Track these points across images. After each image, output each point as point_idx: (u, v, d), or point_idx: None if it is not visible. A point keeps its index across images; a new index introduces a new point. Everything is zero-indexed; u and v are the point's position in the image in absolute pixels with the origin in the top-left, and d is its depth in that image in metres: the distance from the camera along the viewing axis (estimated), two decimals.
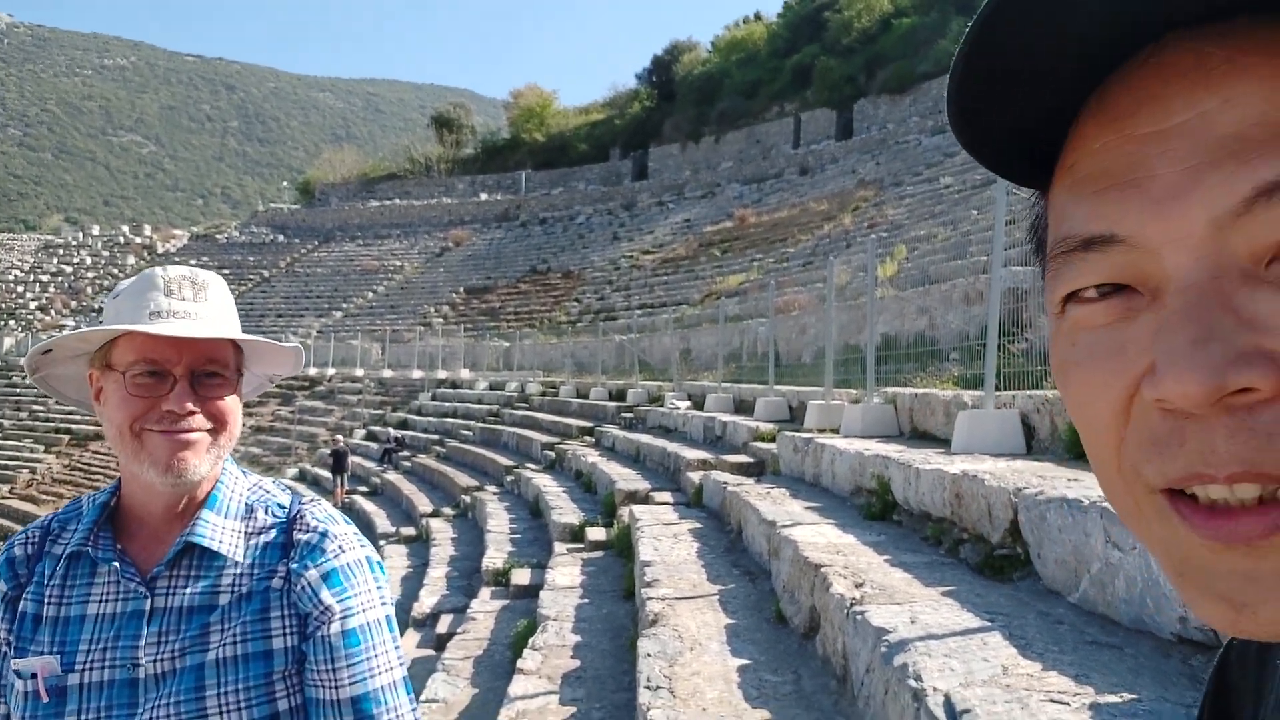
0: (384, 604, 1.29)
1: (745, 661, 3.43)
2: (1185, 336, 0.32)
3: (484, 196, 56.31)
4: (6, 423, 33.71)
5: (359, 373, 32.40)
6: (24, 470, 29.28)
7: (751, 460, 8.28)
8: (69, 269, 52.45)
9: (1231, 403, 0.32)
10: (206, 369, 1.22)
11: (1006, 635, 2.57)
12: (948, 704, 2.09)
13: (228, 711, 1.18)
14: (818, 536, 4.29)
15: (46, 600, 1.22)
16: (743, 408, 11.58)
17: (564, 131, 61.13)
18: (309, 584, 1.23)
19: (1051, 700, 2.07)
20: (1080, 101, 0.37)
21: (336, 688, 1.21)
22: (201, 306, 1.24)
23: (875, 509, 4.97)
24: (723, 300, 20.94)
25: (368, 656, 1.24)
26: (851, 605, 3.02)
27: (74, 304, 48.26)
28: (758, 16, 62.44)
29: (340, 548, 1.27)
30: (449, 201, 56.73)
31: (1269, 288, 0.32)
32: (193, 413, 1.19)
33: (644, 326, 22.08)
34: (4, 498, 27.45)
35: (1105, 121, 0.36)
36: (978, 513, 3.77)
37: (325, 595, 1.23)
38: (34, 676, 1.18)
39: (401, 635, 7.88)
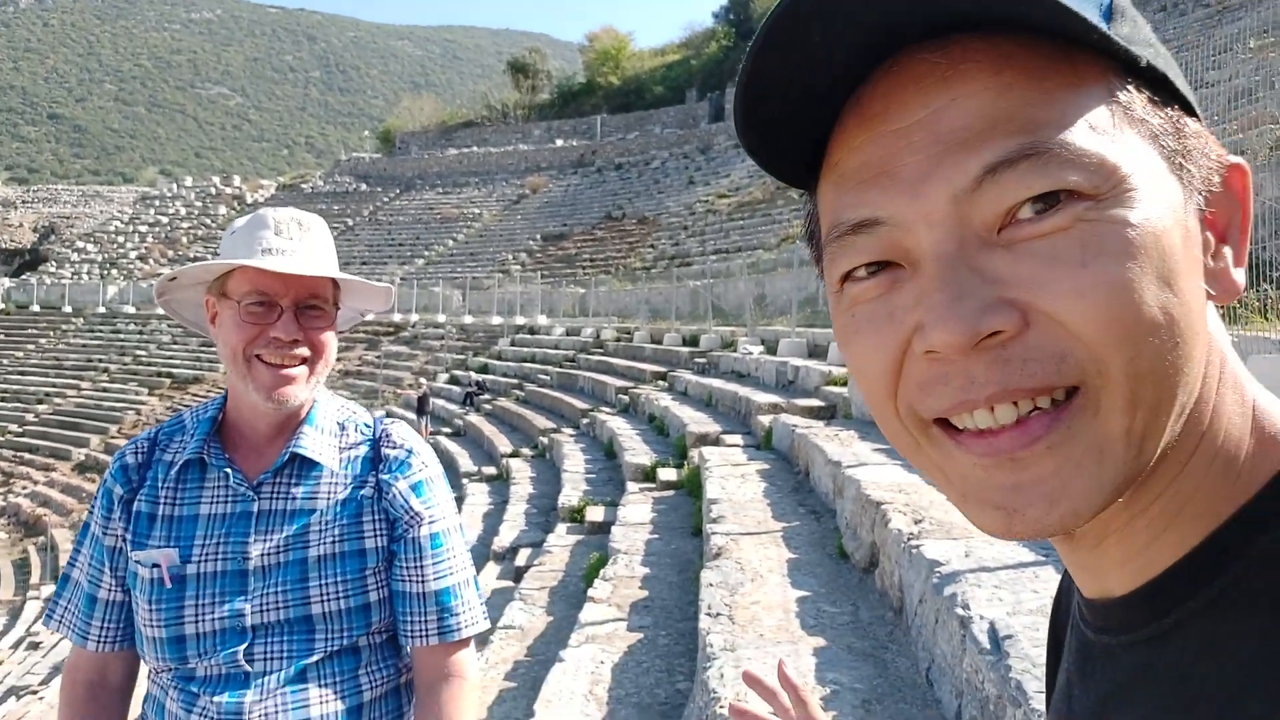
0: (456, 514, 1.47)
1: (805, 593, 3.53)
2: (944, 297, 0.39)
3: (559, 143, 56.27)
4: (113, 367, 35.56)
5: (441, 319, 33.12)
6: (129, 411, 30.96)
7: (823, 404, 8.30)
8: (165, 219, 54.48)
9: (986, 344, 0.39)
10: (309, 302, 1.37)
11: (1058, 569, 2.61)
12: (992, 631, 2.16)
13: (328, 600, 1.36)
14: (882, 476, 4.34)
15: (161, 501, 1.40)
16: (816, 352, 11.54)
17: (640, 74, 60.47)
18: (399, 493, 1.41)
19: None
20: (838, 109, 0.44)
21: (422, 582, 1.40)
22: (306, 245, 1.39)
23: None
24: (799, 244, 20.69)
25: (448, 557, 1.43)
26: (909, 540, 3.09)
27: (170, 253, 50.23)
28: None
29: (424, 463, 1.45)
30: (525, 148, 56.89)
31: (1001, 249, 0.39)
32: (295, 340, 1.35)
33: (718, 272, 22.00)
34: (111, 437, 29.13)
35: (861, 122, 0.43)
36: None
37: (414, 502, 1.41)
38: (156, 566, 1.36)
39: (482, 568, 8.22)
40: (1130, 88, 0.40)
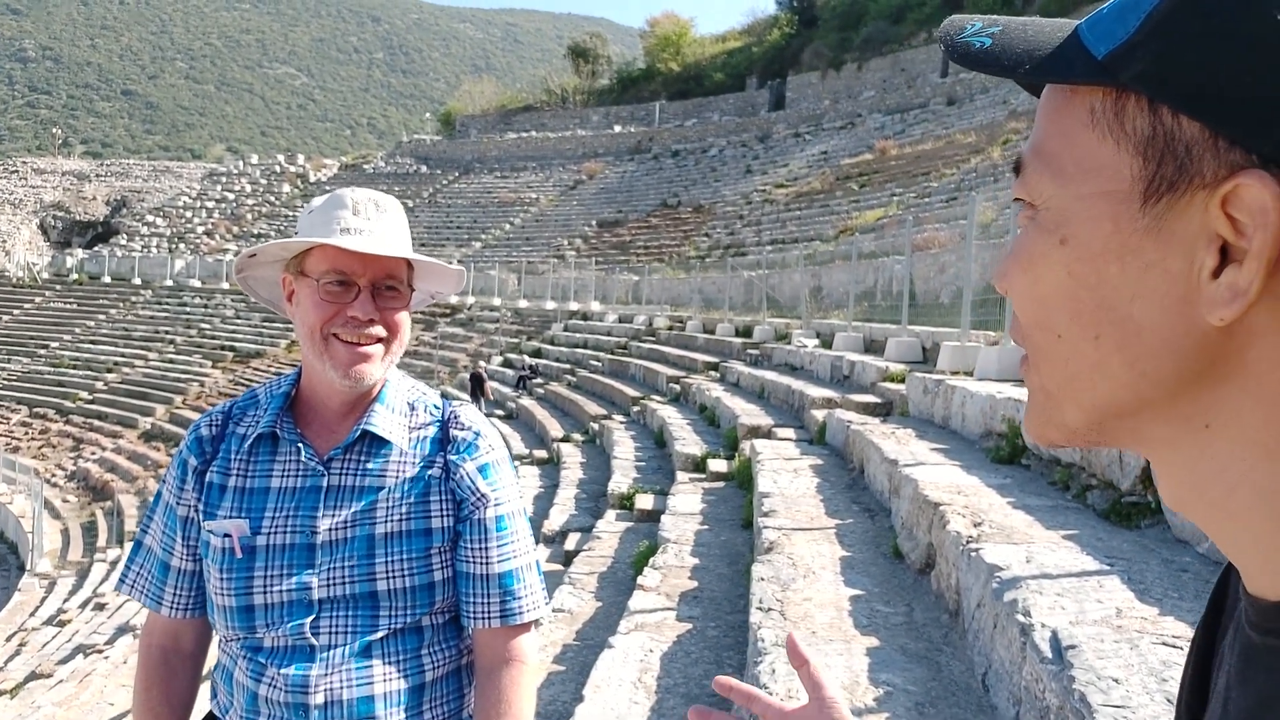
0: (520, 498, 1.48)
1: (858, 592, 3.51)
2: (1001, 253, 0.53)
3: (617, 129, 56.24)
4: (178, 339, 36.59)
5: (496, 302, 33.44)
6: (193, 383, 31.85)
7: (879, 400, 8.20)
8: (231, 196, 55.73)
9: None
10: (385, 282, 1.39)
11: (1125, 579, 2.55)
12: (1054, 640, 2.12)
13: (393, 577, 1.38)
14: (940, 476, 4.28)
15: (233, 473, 1.43)
16: (873, 347, 11.40)
17: (700, 61, 60.08)
18: (467, 474, 1.43)
19: (1164, 643, 2.07)
20: None
21: (486, 563, 1.42)
22: (382, 226, 1.40)
23: (1004, 452, 4.89)
24: (857, 236, 20.44)
25: (512, 540, 1.44)
26: (968, 543, 3.04)
27: (235, 229, 51.40)
28: None
29: (491, 445, 1.47)
30: (583, 134, 56.99)
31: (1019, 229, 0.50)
32: (372, 320, 1.37)
33: (774, 263, 21.82)
34: (176, 408, 30.00)
35: None
36: (1108, 458, 3.69)
37: (481, 484, 1.43)
38: (228, 536, 1.39)
39: None
40: (1127, 102, 0.43)
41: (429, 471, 1.42)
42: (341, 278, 1.36)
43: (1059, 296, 0.46)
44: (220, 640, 1.47)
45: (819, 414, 8.03)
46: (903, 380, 8.09)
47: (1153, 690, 1.84)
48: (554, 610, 5.16)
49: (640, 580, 4.84)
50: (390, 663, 1.38)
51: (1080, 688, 1.86)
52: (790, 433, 8.22)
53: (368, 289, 1.37)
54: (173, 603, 1.47)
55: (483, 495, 1.43)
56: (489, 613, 1.41)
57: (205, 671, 1.58)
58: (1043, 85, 0.49)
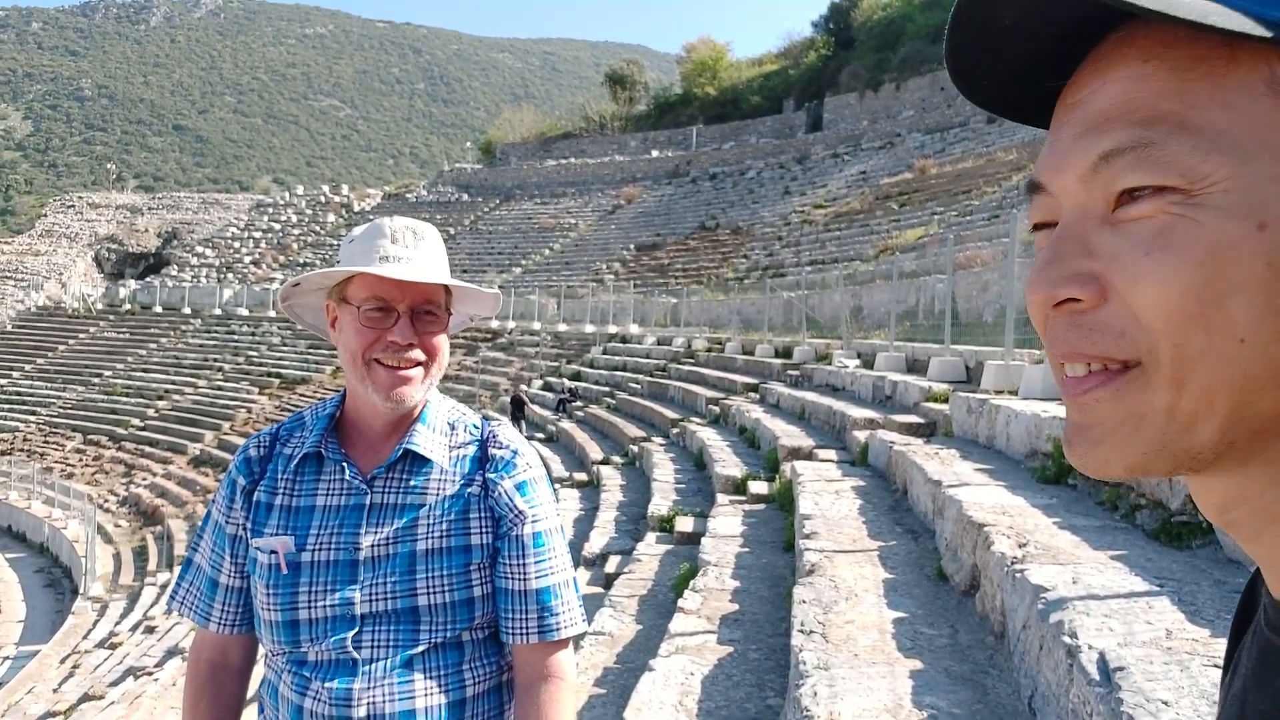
0: (558, 515, 1.51)
1: (901, 614, 3.46)
2: (1040, 261, 0.45)
3: (655, 154, 56.59)
4: (227, 366, 37.31)
5: (536, 326, 33.68)
6: (241, 409, 32.43)
7: (922, 421, 8.11)
8: (278, 226, 56.92)
9: (1067, 309, 0.44)
10: (424, 307, 1.43)
11: (1175, 600, 2.50)
12: (1101, 662, 2.08)
13: (434, 592, 1.41)
14: (985, 497, 4.22)
15: (280, 492, 1.47)
16: (915, 367, 11.29)
17: (736, 85, 60.31)
18: (505, 491, 1.46)
19: (1215, 665, 2.02)
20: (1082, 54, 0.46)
21: (524, 579, 1.44)
22: (420, 253, 1.45)
23: (1050, 472, 4.81)
24: (898, 256, 20.32)
25: (549, 556, 1.47)
26: (1013, 564, 2.99)
27: (282, 259, 52.44)
28: None
29: (528, 464, 1.50)
30: (621, 159, 57.41)
31: (1110, 227, 0.43)
32: (411, 345, 1.41)
33: (813, 283, 21.75)
34: (225, 433, 30.55)
35: (1064, 93, 0.46)
36: (1157, 478, 3.61)
37: (519, 501, 1.46)
38: (274, 552, 1.43)
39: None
40: None
41: (469, 489, 1.46)
42: (381, 304, 1.40)
43: (1250, 293, 0.40)
44: (266, 655, 1.50)
45: (861, 435, 7.96)
46: (946, 400, 7.99)
47: (1204, 713, 1.80)
48: (594, 633, 5.15)
49: (681, 603, 4.82)
50: (432, 677, 1.40)
51: (1129, 710, 1.82)
52: (832, 454, 8.16)
53: (407, 314, 1.41)
54: (220, 619, 1.51)
55: (520, 512, 1.45)
56: (527, 629, 1.43)
57: (251, 693, 1.61)
58: (1053, 96, 0.47)
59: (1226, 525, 0.47)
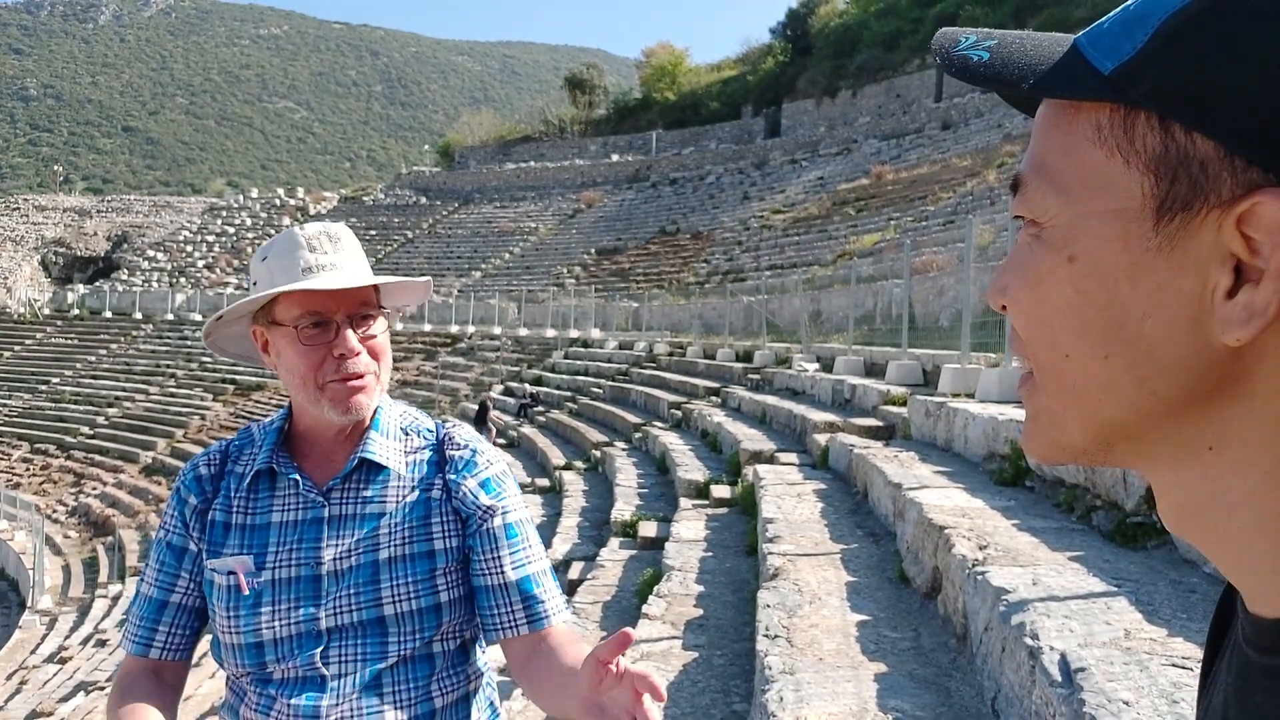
0: (525, 507, 1.50)
1: (865, 617, 3.49)
2: (998, 268, 0.51)
3: (615, 158, 56.60)
4: (180, 373, 36.58)
5: (497, 331, 33.48)
6: (195, 416, 31.80)
7: (881, 424, 8.20)
8: (231, 230, 55.96)
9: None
10: (360, 311, 1.39)
11: (1133, 601, 2.54)
12: (1063, 663, 2.11)
13: (399, 601, 1.38)
14: (945, 499, 4.27)
15: (234, 510, 1.43)
16: (873, 371, 11.41)
17: (695, 90, 60.57)
18: (469, 491, 1.43)
19: (1174, 665, 2.06)
20: None
21: (502, 573, 1.41)
22: (342, 257, 1.40)
23: (1007, 475, 4.88)
24: (855, 260, 20.52)
25: (524, 546, 1.44)
26: (974, 566, 3.03)
27: (236, 263, 51.54)
28: None
29: (489, 461, 1.48)
30: (581, 163, 57.34)
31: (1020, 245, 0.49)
32: (358, 352, 1.37)
33: (773, 288, 21.89)
34: (178, 441, 29.93)
35: None
36: (1112, 479, 3.68)
37: (484, 498, 1.43)
38: (232, 573, 1.39)
39: None
40: (1136, 119, 0.42)
41: (429, 494, 1.43)
42: (317, 318, 1.35)
43: (1067, 315, 0.45)
44: (228, 679, 1.46)
45: (821, 438, 8.02)
46: (904, 403, 8.08)
47: (1164, 712, 1.83)
48: None
49: (645, 609, 4.81)
50: (400, 690, 1.38)
51: (1091, 710, 1.85)
52: (793, 457, 8.20)
53: (345, 323, 1.37)
54: (166, 643, 1.44)
55: (489, 507, 1.43)
56: (515, 621, 1.40)
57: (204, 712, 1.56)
58: (1037, 102, 0.48)
59: (1191, 541, 0.48)
